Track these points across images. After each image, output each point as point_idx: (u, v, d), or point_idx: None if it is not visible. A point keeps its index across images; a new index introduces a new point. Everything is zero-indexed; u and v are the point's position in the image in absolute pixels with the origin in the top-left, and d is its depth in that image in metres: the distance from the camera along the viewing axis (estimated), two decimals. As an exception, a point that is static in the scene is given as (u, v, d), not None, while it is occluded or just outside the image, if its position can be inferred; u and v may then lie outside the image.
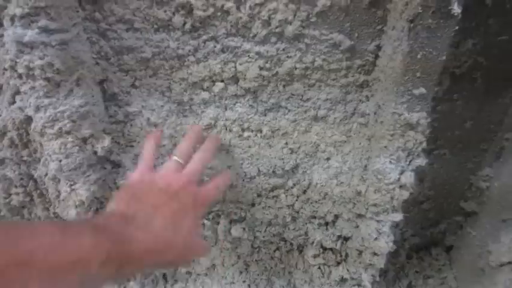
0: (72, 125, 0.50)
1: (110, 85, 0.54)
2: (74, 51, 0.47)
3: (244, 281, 0.68)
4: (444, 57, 0.41)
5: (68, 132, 0.50)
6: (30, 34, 0.43)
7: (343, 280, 0.65)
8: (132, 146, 0.58)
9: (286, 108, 0.56)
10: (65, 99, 0.48)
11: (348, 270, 0.64)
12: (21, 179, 0.62)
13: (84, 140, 0.52)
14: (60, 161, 0.52)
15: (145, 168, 0.48)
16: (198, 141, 0.53)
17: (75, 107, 0.48)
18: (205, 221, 0.66)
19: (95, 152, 0.53)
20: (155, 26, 0.51)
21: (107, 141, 0.53)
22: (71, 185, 0.52)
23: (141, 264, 0.39)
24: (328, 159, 0.59)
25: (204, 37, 0.51)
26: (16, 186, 0.63)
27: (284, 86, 0.54)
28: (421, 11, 0.38)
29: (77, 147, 0.51)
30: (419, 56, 0.41)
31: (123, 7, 0.49)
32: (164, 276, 0.69)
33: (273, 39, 0.50)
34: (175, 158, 0.49)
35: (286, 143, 0.59)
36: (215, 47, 0.51)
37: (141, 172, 0.48)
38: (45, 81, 0.46)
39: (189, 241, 0.44)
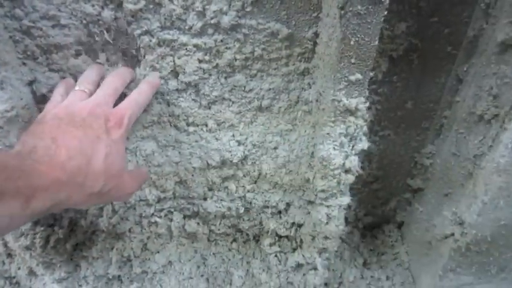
0: (-2, 132, 0.47)
1: (39, 86, 0.51)
2: (-6, 52, 0.44)
3: (202, 275, 0.68)
4: (376, 43, 0.42)
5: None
6: None
7: (299, 266, 0.66)
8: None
9: (229, 100, 0.55)
10: (-12, 104, 0.45)
11: (303, 255, 0.65)
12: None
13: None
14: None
15: (50, 106, 0.45)
16: (102, 73, 0.50)
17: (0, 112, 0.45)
18: (158, 219, 0.65)
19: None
20: (84, 22, 0.48)
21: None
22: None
23: (55, 197, 0.38)
24: (275, 148, 0.59)
25: (138, 31, 0.49)
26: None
27: (226, 78, 0.53)
28: (350, -3, 0.38)
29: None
30: (352, 43, 0.41)
31: (46, 2, 0.46)
32: (119, 277, 0.67)
33: (210, 30, 0.49)
34: (77, 88, 0.46)
35: (233, 135, 0.58)
36: (150, 41, 0.49)
37: (45, 110, 0.45)
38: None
39: (111, 167, 0.43)
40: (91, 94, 0.46)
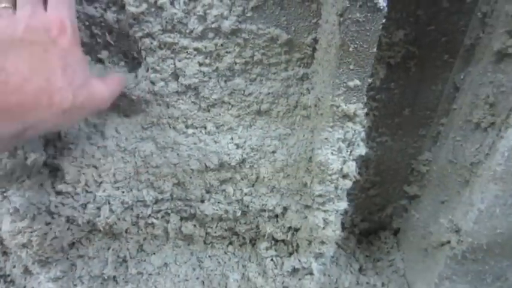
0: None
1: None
2: None
3: (197, 278, 0.68)
4: (375, 50, 0.42)
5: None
6: None
7: (295, 270, 0.66)
8: (70, 149, 0.56)
9: (229, 103, 0.56)
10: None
11: (299, 260, 0.65)
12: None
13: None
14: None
15: None
16: None
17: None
18: (155, 220, 0.65)
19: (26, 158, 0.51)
20: (86, 24, 0.49)
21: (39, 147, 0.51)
22: (3, 192, 0.49)
23: (23, 120, 0.37)
24: (273, 152, 0.59)
25: (139, 34, 0.49)
26: None
27: (225, 81, 0.54)
28: (348, 5, 0.39)
29: (6, 153, 0.48)
30: (351, 49, 0.42)
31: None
32: (114, 278, 0.67)
33: (211, 34, 0.50)
34: (1, 5, 0.40)
35: (232, 138, 0.58)
36: (151, 43, 0.50)
37: None
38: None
39: (74, 78, 0.40)
40: (13, 6, 0.41)
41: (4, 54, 0.37)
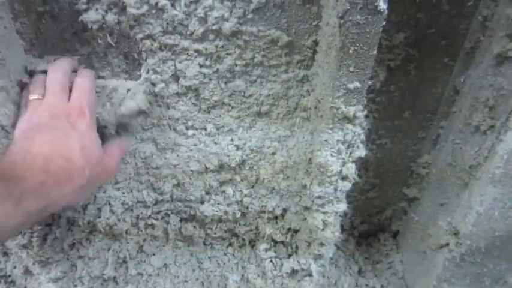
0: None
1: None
2: None
3: (197, 279, 0.68)
4: (375, 52, 0.42)
5: None
6: None
7: (294, 272, 0.66)
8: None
9: (229, 105, 0.56)
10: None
11: (298, 261, 0.65)
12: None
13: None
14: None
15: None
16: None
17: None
18: (155, 221, 0.65)
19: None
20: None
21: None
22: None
23: (46, 197, 0.41)
24: (273, 154, 0.60)
25: (140, 35, 0.50)
26: None
27: (226, 83, 0.54)
28: (349, 7, 0.39)
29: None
30: (351, 51, 0.42)
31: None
32: (114, 278, 0.67)
33: (211, 36, 0.50)
34: (31, 97, 0.47)
35: (232, 140, 0.59)
36: (152, 45, 0.50)
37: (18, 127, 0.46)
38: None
39: (90, 157, 0.45)
40: (43, 96, 0.47)
41: (31, 140, 0.43)
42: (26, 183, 0.40)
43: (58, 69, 0.49)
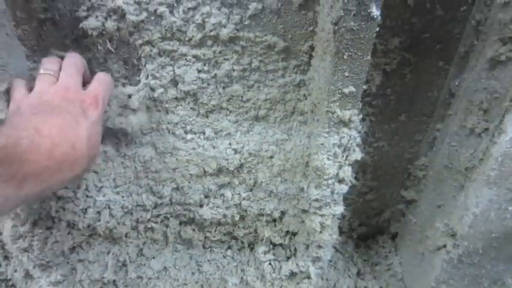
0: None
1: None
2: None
3: (196, 282, 0.68)
4: (369, 57, 0.43)
5: None
6: None
7: (293, 274, 0.67)
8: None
9: (227, 109, 0.57)
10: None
11: (297, 264, 0.66)
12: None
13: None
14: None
15: (18, 96, 0.45)
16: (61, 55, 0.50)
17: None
18: (154, 225, 0.66)
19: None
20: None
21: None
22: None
23: (46, 182, 0.40)
24: (271, 157, 0.60)
25: (139, 41, 0.50)
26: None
27: (224, 88, 0.55)
28: (343, 14, 0.40)
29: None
30: (345, 57, 0.43)
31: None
32: (114, 282, 0.68)
33: (209, 42, 0.51)
34: (42, 72, 0.46)
35: (230, 144, 0.59)
36: (151, 51, 0.51)
37: (15, 100, 0.45)
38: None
39: (93, 148, 0.44)
40: (56, 74, 0.46)
41: (41, 118, 0.41)
42: (31, 167, 0.38)
43: (76, 56, 0.49)
